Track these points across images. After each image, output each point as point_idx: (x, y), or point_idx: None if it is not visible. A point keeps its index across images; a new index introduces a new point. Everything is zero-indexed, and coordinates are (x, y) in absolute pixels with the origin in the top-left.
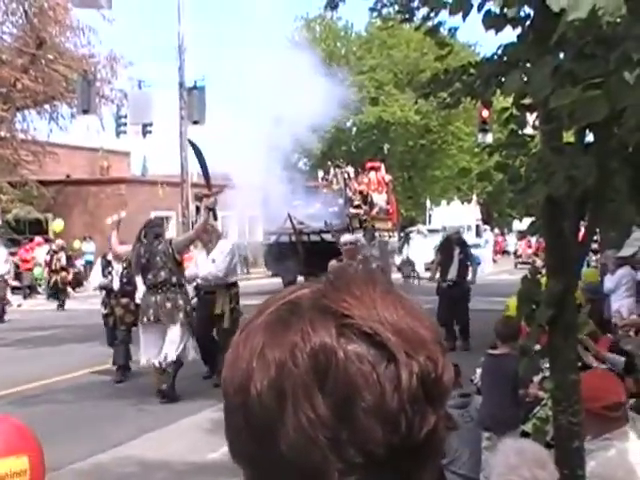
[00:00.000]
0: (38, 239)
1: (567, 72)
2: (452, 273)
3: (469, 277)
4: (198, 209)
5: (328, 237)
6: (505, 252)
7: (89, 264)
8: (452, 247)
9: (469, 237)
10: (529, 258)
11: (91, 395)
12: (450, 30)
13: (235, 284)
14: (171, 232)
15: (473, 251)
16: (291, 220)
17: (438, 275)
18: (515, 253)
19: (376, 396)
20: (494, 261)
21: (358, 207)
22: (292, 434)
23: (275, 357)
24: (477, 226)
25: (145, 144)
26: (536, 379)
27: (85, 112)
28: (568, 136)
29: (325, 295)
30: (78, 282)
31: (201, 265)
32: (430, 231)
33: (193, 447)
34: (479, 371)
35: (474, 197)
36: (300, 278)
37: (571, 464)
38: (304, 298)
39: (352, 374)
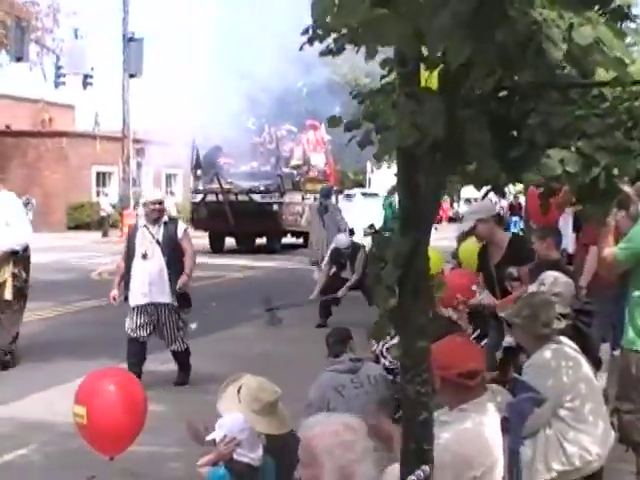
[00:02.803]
0: None
1: None
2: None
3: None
4: (139, 165)
5: (257, 198)
6: (453, 219)
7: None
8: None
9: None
10: None
11: None
12: None
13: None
14: (113, 188)
15: None
16: (218, 179)
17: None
18: (462, 218)
19: None
20: (435, 228)
21: (297, 167)
22: None
23: None
24: None
25: (93, 98)
26: None
27: (19, 60)
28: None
29: None
30: None
31: None
32: (366, 195)
33: None
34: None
35: None
36: (229, 239)
37: (418, 437)
38: None
39: None
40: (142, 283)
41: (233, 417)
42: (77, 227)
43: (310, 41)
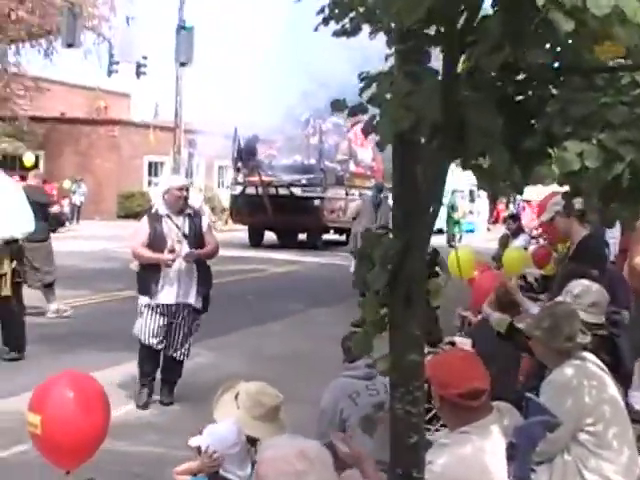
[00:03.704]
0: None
1: None
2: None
3: None
4: (190, 155)
5: (298, 191)
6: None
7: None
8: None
9: (463, 203)
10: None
11: None
12: None
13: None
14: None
15: (467, 218)
16: (258, 171)
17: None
18: (512, 218)
19: None
20: (488, 229)
21: (342, 162)
22: None
23: None
24: (471, 191)
25: (149, 87)
26: None
27: (70, 46)
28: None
29: None
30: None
31: None
32: None
33: None
34: None
35: None
36: (269, 233)
37: (406, 463)
38: None
39: None
40: (170, 280)
41: (227, 428)
42: (127, 216)
43: (325, 21)
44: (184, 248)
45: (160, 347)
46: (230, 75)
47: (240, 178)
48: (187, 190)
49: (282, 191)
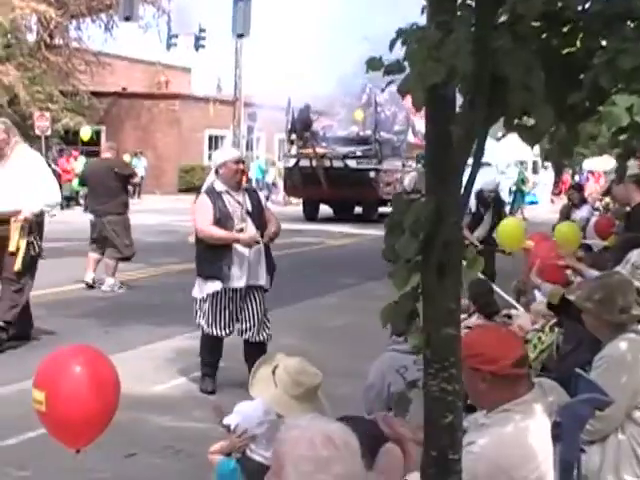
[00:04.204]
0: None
1: None
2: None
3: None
4: (250, 129)
5: (352, 163)
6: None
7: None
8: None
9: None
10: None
11: (57, 313)
12: None
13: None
14: None
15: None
16: (312, 144)
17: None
18: (575, 189)
19: None
20: (552, 201)
21: (400, 133)
22: None
23: None
24: (534, 162)
25: (209, 60)
26: None
27: (127, 19)
28: None
29: None
30: None
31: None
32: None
33: (140, 377)
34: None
35: None
36: (323, 206)
37: (441, 444)
38: None
39: None
40: (240, 262)
41: (254, 406)
42: (188, 190)
43: None
44: (249, 226)
45: (225, 337)
46: (287, 46)
47: (293, 150)
48: (243, 163)
49: (336, 163)
